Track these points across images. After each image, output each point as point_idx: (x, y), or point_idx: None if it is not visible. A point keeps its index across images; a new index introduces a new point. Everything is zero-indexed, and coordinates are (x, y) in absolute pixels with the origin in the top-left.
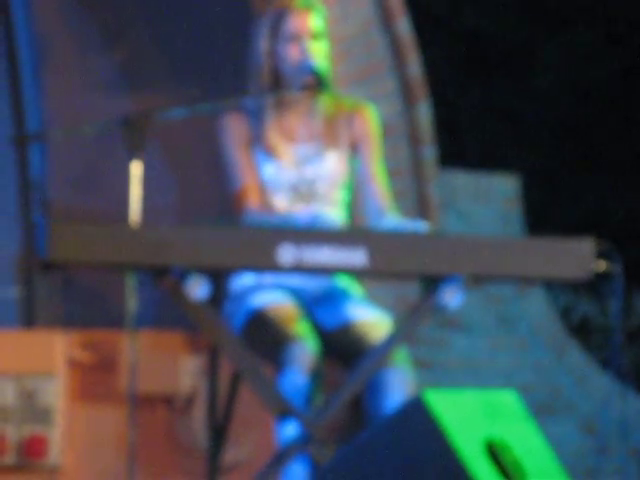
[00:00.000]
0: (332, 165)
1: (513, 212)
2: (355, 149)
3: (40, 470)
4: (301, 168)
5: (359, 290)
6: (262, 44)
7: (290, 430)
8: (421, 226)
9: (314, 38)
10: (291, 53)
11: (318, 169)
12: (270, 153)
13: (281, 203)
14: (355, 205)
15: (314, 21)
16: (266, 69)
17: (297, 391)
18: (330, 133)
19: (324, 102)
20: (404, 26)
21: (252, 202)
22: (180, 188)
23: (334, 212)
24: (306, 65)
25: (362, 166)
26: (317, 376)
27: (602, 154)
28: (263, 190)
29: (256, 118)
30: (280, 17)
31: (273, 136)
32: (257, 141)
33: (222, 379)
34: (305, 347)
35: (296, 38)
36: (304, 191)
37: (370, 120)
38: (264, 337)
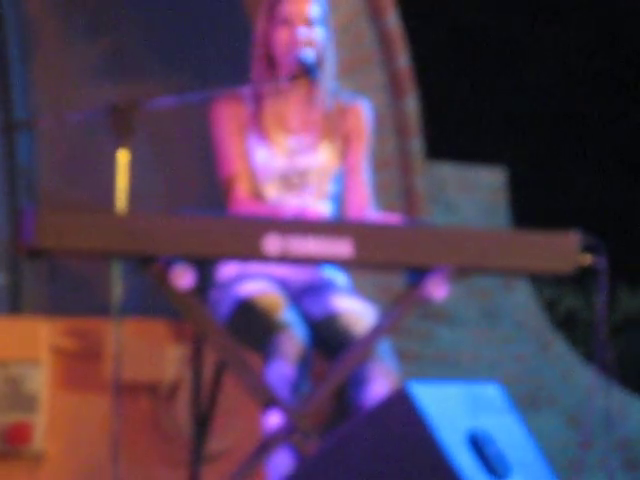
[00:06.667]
0: (325, 157)
1: (499, 204)
2: (346, 142)
3: (24, 457)
4: (293, 158)
5: (344, 281)
6: (259, 27)
7: (275, 419)
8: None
9: (308, 25)
10: (281, 38)
11: (311, 160)
12: (264, 139)
13: (271, 192)
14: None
15: (309, 7)
16: (261, 53)
17: (284, 381)
18: (325, 125)
19: (322, 93)
20: (393, 18)
21: (241, 190)
22: (167, 176)
23: (323, 204)
24: (293, 53)
25: (348, 158)
26: (305, 365)
27: (590, 147)
28: (253, 177)
29: (252, 103)
30: (276, 0)
31: (268, 123)
32: (252, 126)
33: (207, 368)
34: (293, 336)
35: (288, 23)
36: (295, 181)
37: (363, 116)
38: (251, 326)
